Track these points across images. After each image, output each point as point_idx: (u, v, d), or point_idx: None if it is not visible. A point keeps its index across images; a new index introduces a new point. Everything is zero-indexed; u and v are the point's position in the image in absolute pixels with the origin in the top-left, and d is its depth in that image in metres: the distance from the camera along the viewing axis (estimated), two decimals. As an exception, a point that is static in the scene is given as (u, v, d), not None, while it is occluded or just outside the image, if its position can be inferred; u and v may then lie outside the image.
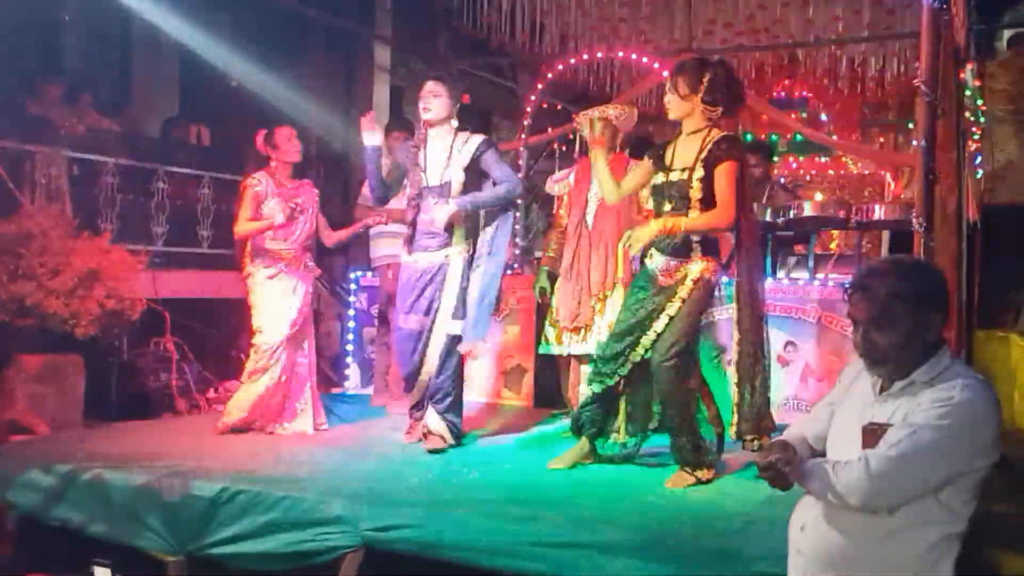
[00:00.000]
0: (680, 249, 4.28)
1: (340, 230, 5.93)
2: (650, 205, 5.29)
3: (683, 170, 4.25)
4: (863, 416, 2.30)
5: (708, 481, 4.30)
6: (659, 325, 4.24)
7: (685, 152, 4.29)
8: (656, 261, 4.37)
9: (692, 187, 4.21)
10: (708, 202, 4.21)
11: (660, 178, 4.35)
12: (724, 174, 4.17)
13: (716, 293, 4.36)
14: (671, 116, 4.35)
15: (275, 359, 5.31)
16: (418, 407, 5.15)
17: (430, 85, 4.96)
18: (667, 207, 4.31)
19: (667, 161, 4.36)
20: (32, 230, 5.54)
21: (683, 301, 4.23)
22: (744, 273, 4.34)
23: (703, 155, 4.21)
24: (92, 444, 4.89)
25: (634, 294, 4.43)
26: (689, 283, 4.24)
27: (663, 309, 4.25)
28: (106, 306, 5.58)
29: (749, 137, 9.51)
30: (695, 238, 4.26)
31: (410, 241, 4.98)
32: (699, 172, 4.20)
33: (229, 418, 5.32)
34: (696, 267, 4.26)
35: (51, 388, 5.50)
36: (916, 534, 2.19)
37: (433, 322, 4.94)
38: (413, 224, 4.97)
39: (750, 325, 4.33)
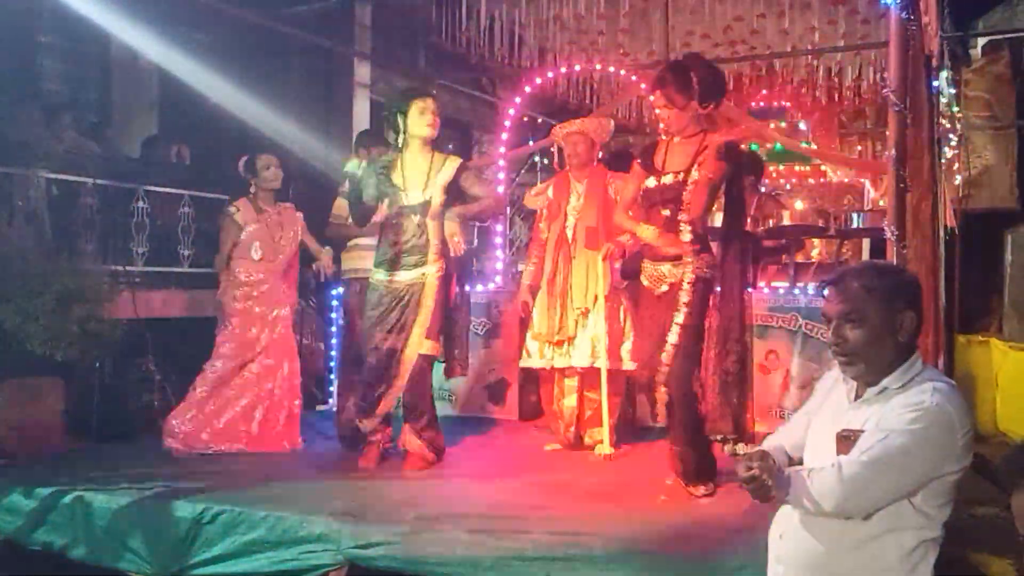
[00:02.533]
0: (671, 253, 4.29)
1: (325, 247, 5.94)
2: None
3: (677, 173, 4.27)
4: (838, 423, 2.31)
5: (702, 497, 4.28)
6: (673, 336, 4.23)
7: (679, 157, 4.31)
8: (648, 271, 4.38)
9: (687, 190, 4.22)
10: None
11: (651, 182, 4.36)
12: (708, 171, 4.20)
13: (716, 289, 4.33)
14: (667, 130, 4.34)
15: (227, 377, 5.38)
16: (378, 431, 5.03)
17: (431, 104, 4.90)
18: (662, 212, 4.31)
19: (658, 165, 4.37)
20: (11, 252, 5.50)
21: (687, 306, 4.23)
22: (730, 280, 4.35)
23: (701, 159, 4.23)
24: (73, 466, 4.87)
25: (645, 314, 4.44)
26: (687, 286, 4.24)
27: (672, 320, 4.24)
28: (86, 327, 5.54)
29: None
30: (685, 239, 4.27)
31: (391, 260, 4.95)
32: (694, 175, 4.22)
33: (178, 436, 5.34)
34: (691, 266, 4.26)
35: (31, 411, 5.46)
36: (892, 540, 2.20)
37: (407, 341, 4.90)
38: (395, 243, 4.91)
39: (737, 333, 4.33)
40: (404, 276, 4.90)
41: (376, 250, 5.03)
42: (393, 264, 4.90)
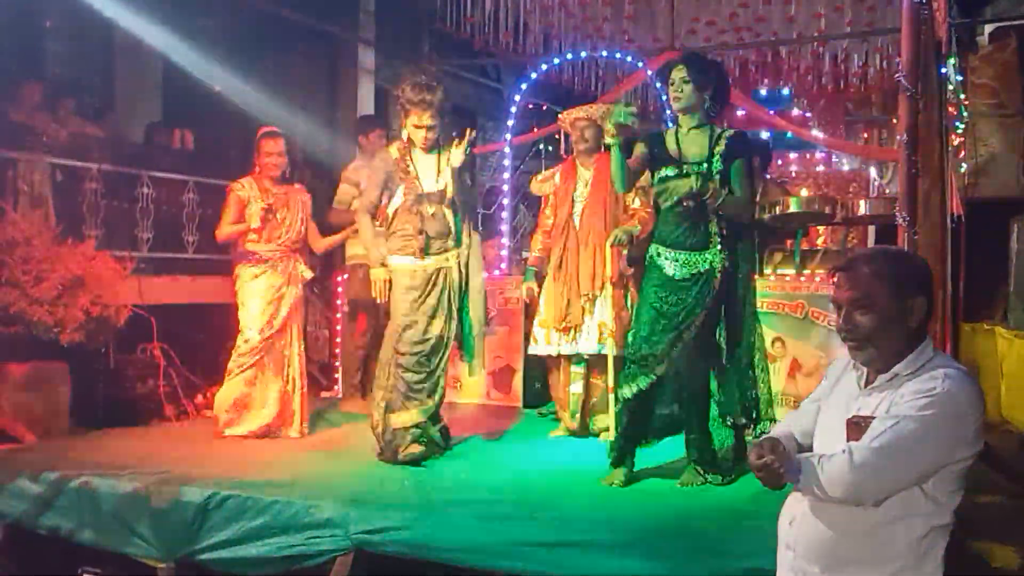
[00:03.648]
0: (701, 240, 4.28)
1: (328, 236, 5.92)
2: (636, 204, 5.34)
3: (699, 163, 4.26)
4: (848, 410, 2.30)
5: (720, 484, 4.27)
6: (691, 334, 4.22)
7: (694, 145, 4.30)
8: (671, 257, 4.33)
9: (713, 180, 4.22)
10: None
11: (671, 171, 4.33)
12: (743, 169, 4.24)
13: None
14: (678, 106, 4.33)
15: (256, 356, 5.35)
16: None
17: (428, 120, 4.80)
18: (687, 202, 4.26)
19: (674, 154, 4.35)
20: (15, 237, 5.50)
21: (711, 303, 4.23)
22: (745, 267, 4.35)
23: (721, 149, 4.24)
24: (79, 451, 4.88)
25: (653, 293, 4.33)
26: (717, 275, 4.24)
27: (699, 305, 4.23)
28: (91, 313, 5.55)
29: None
30: (714, 229, 4.27)
31: (418, 247, 4.91)
32: (718, 165, 4.24)
33: (222, 421, 5.37)
34: (718, 258, 4.26)
35: (37, 396, 5.46)
36: (902, 526, 2.19)
37: (450, 326, 4.93)
38: (419, 231, 4.88)
39: (751, 319, 4.32)
40: (432, 262, 4.90)
41: (393, 238, 4.95)
42: (420, 250, 4.88)
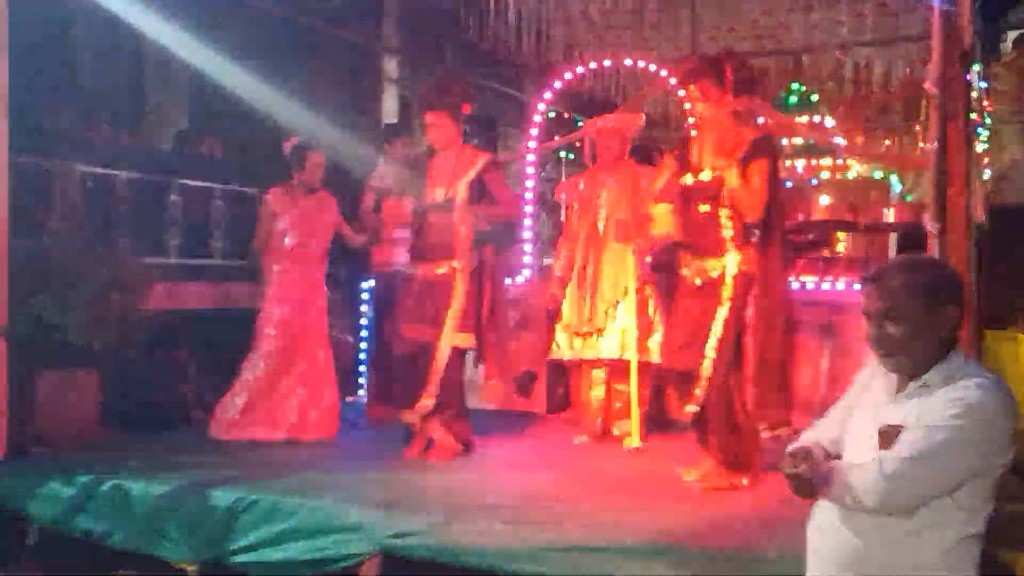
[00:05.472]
0: (712, 247, 4.30)
1: (361, 234, 6.03)
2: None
3: (715, 170, 4.25)
4: (878, 418, 2.30)
5: (744, 486, 4.29)
6: (718, 330, 4.25)
7: (715, 153, 4.29)
8: (693, 265, 4.38)
9: (728, 186, 4.21)
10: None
11: (689, 179, 4.36)
12: (757, 170, 4.20)
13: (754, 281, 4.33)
14: (704, 124, 4.34)
15: (273, 356, 5.43)
16: (421, 423, 5.08)
17: (429, 118, 4.91)
18: (702, 208, 4.32)
19: (695, 161, 4.37)
20: (49, 244, 5.58)
21: (731, 300, 4.24)
22: (773, 271, 4.34)
23: (739, 154, 4.22)
24: (111, 455, 4.95)
25: (682, 303, 4.45)
26: (731, 280, 4.25)
27: (716, 315, 4.26)
28: (124, 318, 5.62)
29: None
30: (726, 235, 4.28)
31: (420, 254, 4.99)
32: (734, 170, 4.21)
33: (221, 415, 5.45)
34: (733, 260, 4.27)
35: (69, 401, 5.54)
36: (933, 536, 2.19)
37: (440, 334, 4.94)
38: (422, 238, 4.99)
39: (776, 324, 4.33)
40: (433, 269, 4.96)
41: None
42: (422, 258, 4.95)
